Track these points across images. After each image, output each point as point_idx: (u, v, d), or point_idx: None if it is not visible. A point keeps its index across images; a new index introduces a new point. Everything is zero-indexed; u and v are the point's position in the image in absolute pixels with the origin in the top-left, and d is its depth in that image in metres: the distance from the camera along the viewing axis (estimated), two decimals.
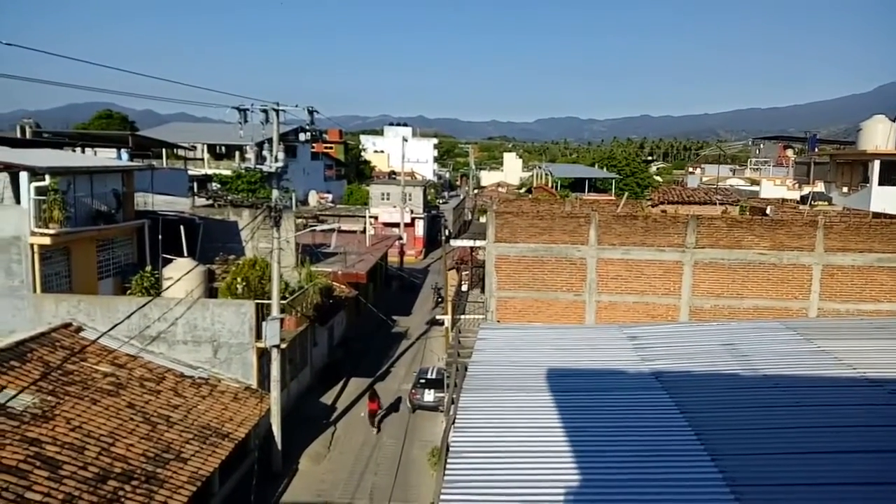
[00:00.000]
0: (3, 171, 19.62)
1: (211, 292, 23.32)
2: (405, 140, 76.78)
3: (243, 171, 52.18)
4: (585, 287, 23.62)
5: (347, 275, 32.18)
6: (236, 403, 19.37)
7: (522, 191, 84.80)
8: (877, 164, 39.11)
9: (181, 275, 20.71)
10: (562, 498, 8.34)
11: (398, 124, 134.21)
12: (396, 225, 56.73)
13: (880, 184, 38.84)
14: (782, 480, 8.58)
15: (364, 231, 45.85)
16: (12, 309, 19.83)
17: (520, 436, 9.98)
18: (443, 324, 30.99)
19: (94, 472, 14.14)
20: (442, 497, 8.45)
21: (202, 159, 62.45)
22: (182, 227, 25.37)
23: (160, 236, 24.06)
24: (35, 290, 19.90)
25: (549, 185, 74.91)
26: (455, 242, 37.39)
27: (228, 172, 56.31)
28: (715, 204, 36.24)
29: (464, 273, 35.94)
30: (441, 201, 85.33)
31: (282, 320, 20.49)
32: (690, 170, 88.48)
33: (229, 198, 39.63)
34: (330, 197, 67.09)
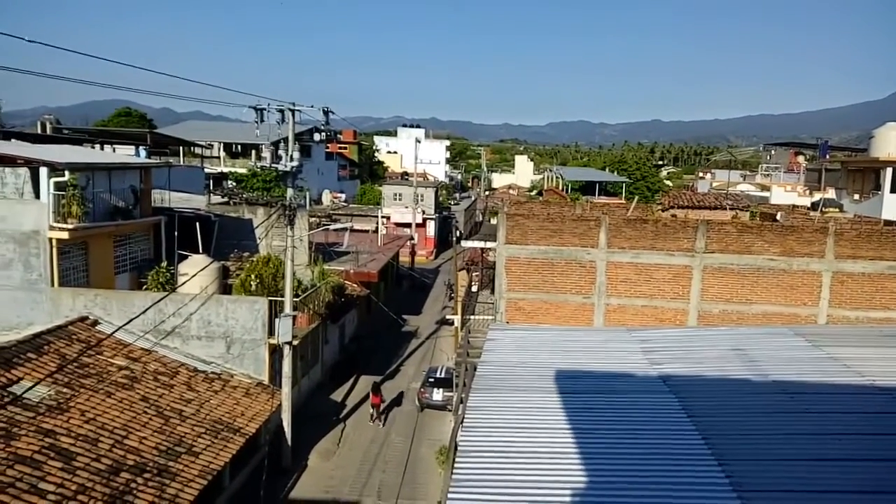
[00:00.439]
0: (23, 167, 19.94)
1: (225, 289, 23.57)
2: (418, 141, 77.11)
3: (259, 169, 52.36)
4: (595, 290, 23.71)
5: (359, 274, 32.40)
6: (248, 399, 19.60)
7: (533, 193, 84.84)
8: (889, 171, 38.85)
9: (196, 271, 20.98)
10: (568, 499, 8.46)
11: (411, 126, 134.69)
12: (408, 225, 56.95)
13: (892, 191, 38.57)
14: (789, 487, 8.66)
15: (376, 231, 46.06)
16: (30, 302, 20.15)
17: (528, 436, 10.12)
18: (452, 324, 31.14)
19: (107, 463, 14.37)
20: (450, 496, 8.58)
21: (218, 157, 62.96)
22: (198, 224, 25.65)
23: (176, 233, 24.34)
24: (53, 284, 20.21)
25: (560, 188, 74.86)
26: (466, 243, 37.59)
27: (244, 171, 56.73)
28: (725, 209, 36.11)
29: (474, 274, 36.09)
30: (452, 202, 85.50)
31: (294, 317, 20.69)
32: (701, 174, 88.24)
33: (244, 196, 39.96)
34: (343, 196, 67.44)
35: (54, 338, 18.42)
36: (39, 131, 35.96)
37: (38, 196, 19.94)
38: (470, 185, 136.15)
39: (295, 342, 20.78)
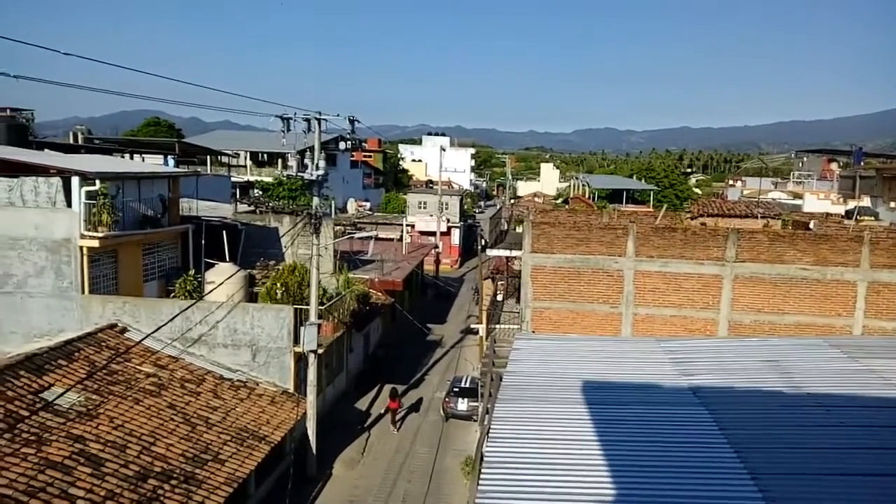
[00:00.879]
0: (56, 176, 20.30)
1: (251, 297, 23.73)
2: (443, 149, 77.18)
3: (285, 178, 53.20)
4: (622, 299, 23.41)
5: (384, 282, 32.44)
6: (273, 407, 19.65)
7: (559, 201, 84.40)
8: None
9: (223, 279, 21.15)
10: None
11: (436, 134, 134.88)
12: (433, 233, 56.96)
13: None
14: (824, 502, 8.42)
15: (401, 239, 46.14)
16: (61, 309, 20.46)
17: (555, 448, 9.96)
18: (477, 333, 31.01)
19: (134, 470, 14.49)
20: None
21: (245, 166, 63.70)
22: (224, 233, 25.90)
23: (203, 241, 24.57)
24: (83, 292, 20.50)
25: (587, 196, 74.45)
26: (491, 252, 37.42)
27: (270, 179, 57.28)
28: (756, 217, 35.58)
29: (499, 283, 35.93)
30: (477, 211, 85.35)
31: (319, 326, 20.72)
32: (731, 182, 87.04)
33: (270, 204, 40.27)
34: (368, 205, 67.74)
35: (84, 345, 18.66)
36: (71, 141, 36.67)
37: (69, 205, 20.26)
38: (495, 193, 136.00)
39: (320, 350, 20.81)
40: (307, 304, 20.95)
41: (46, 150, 29.18)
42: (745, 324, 22.87)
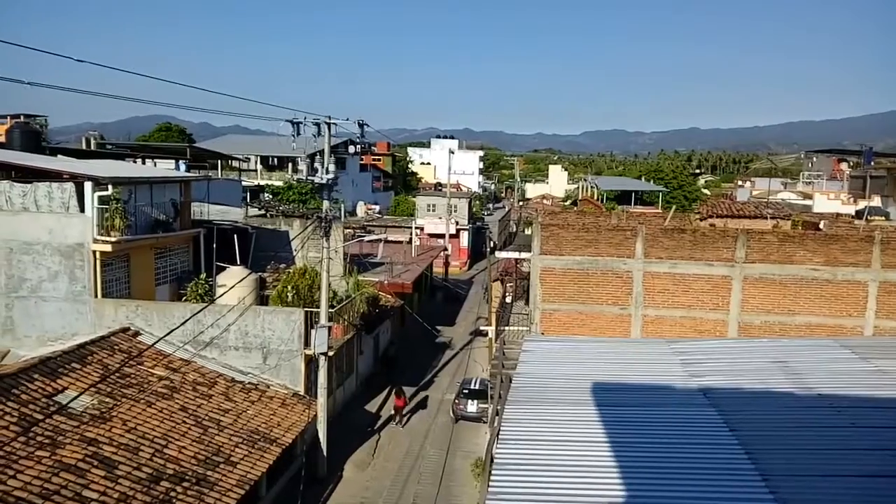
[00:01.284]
0: (69, 181, 20.52)
1: (262, 300, 23.87)
2: (451, 152, 77.27)
3: (295, 182, 53.41)
4: (631, 301, 23.40)
5: (393, 285, 32.54)
6: (284, 409, 19.76)
7: (568, 203, 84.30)
8: None
9: (234, 282, 21.30)
10: None
11: (445, 137, 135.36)
12: (442, 236, 57.05)
13: None
14: (836, 503, 8.40)
15: (410, 242, 46.23)
16: (75, 313, 20.67)
17: (565, 449, 9.97)
18: (486, 335, 31.04)
19: (147, 472, 14.62)
20: None
21: (255, 170, 64.10)
22: (235, 236, 26.08)
23: (214, 245, 24.75)
24: (96, 295, 20.70)
25: (595, 197, 74.30)
26: (500, 254, 37.52)
27: (280, 183, 57.59)
28: (766, 218, 35.41)
29: (508, 285, 35.97)
30: (486, 213, 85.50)
31: (330, 328, 20.83)
32: (740, 183, 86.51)
33: (281, 208, 40.50)
34: (377, 208, 67.95)
35: (97, 348, 18.84)
36: (84, 147, 37.10)
37: (82, 210, 20.47)
38: (504, 195, 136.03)
39: (330, 353, 20.91)
40: (317, 306, 21.06)
41: (60, 156, 29.52)
42: (755, 325, 22.80)
